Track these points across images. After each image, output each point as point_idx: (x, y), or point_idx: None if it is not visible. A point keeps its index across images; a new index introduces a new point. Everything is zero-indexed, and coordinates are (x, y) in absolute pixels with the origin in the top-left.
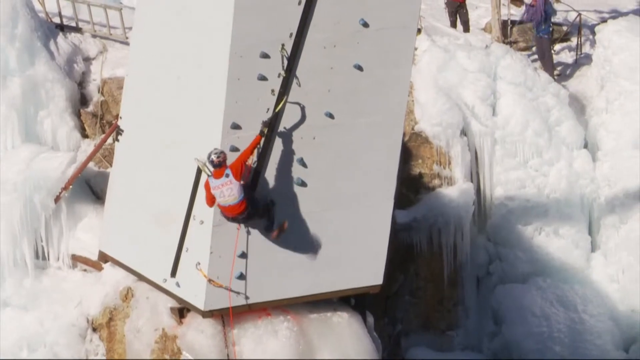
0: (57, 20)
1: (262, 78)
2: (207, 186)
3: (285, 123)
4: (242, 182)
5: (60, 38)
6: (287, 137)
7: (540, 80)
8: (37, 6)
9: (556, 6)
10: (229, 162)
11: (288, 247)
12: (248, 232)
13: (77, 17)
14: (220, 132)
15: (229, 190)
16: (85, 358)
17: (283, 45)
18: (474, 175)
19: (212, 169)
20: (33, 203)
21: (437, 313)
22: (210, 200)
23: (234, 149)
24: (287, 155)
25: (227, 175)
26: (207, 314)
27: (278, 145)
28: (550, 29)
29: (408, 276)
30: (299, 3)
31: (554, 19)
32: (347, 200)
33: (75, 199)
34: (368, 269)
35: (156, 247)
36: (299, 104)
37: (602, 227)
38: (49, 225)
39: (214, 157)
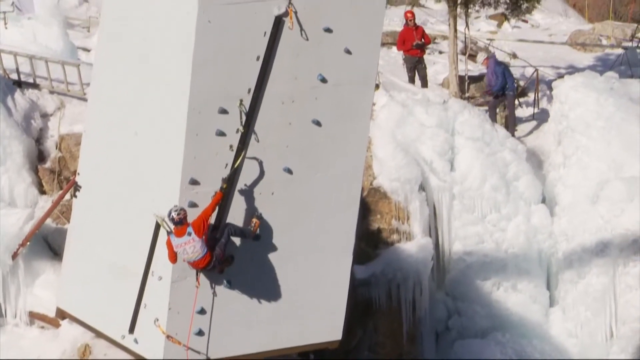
0: (14, 76)
1: (221, 133)
2: (169, 244)
3: (244, 178)
4: (204, 237)
5: (17, 94)
6: (245, 192)
7: (498, 136)
8: None
9: (513, 62)
10: (189, 218)
11: (247, 302)
12: (213, 288)
13: (35, 74)
14: (179, 188)
15: (192, 248)
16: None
17: (241, 100)
18: (433, 230)
19: (172, 226)
20: None
21: None
22: (173, 257)
23: (193, 205)
24: (246, 210)
25: (190, 234)
26: None
27: (237, 201)
28: (515, 85)
29: (367, 331)
30: (257, 58)
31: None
32: (306, 255)
33: (32, 255)
34: (327, 324)
35: (114, 303)
36: (257, 159)
37: (560, 282)
38: (6, 281)
39: (174, 214)
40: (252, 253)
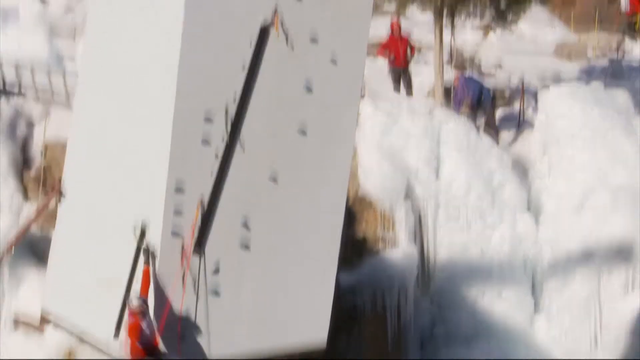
0: None
1: (206, 142)
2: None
3: (229, 187)
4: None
5: (2, 102)
6: (231, 200)
7: (483, 145)
8: None
9: (498, 71)
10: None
11: (232, 308)
12: (196, 292)
13: (20, 82)
14: (164, 196)
15: None
16: None
17: (227, 109)
18: (418, 238)
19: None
20: None
21: None
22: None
23: (178, 213)
24: (231, 218)
25: None
26: None
27: (222, 208)
28: (490, 93)
29: (352, 338)
30: (243, 68)
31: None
32: (291, 263)
33: (17, 261)
34: (312, 331)
35: (99, 308)
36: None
37: (545, 290)
38: None
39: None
40: (239, 259)
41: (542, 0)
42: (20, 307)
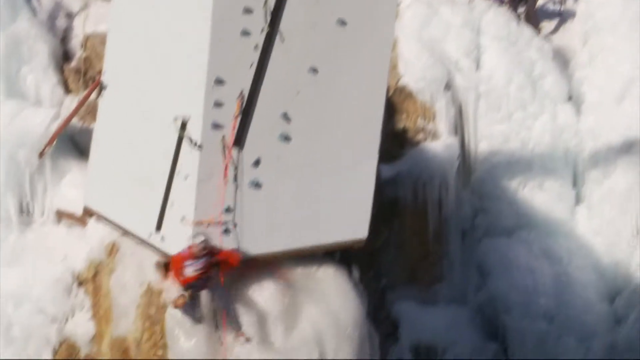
0: None
1: (245, 33)
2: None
3: (269, 78)
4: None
5: None
6: (271, 92)
7: (523, 35)
8: None
9: None
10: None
11: (273, 201)
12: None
13: None
14: (204, 88)
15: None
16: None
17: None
18: (459, 129)
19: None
20: (17, 159)
21: (422, 267)
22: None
23: (218, 104)
24: (271, 110)
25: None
26: None
27: (262, 100)
28: None
29: (393, 230)
30: None
31: None
32: (332, 155)
33: (59, 154)
34: (353, 223)
35: (141, 201)
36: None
37: (586, 181)
38: (33, 180)
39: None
40: (279, 151)
41: None
42: (62, 201)
